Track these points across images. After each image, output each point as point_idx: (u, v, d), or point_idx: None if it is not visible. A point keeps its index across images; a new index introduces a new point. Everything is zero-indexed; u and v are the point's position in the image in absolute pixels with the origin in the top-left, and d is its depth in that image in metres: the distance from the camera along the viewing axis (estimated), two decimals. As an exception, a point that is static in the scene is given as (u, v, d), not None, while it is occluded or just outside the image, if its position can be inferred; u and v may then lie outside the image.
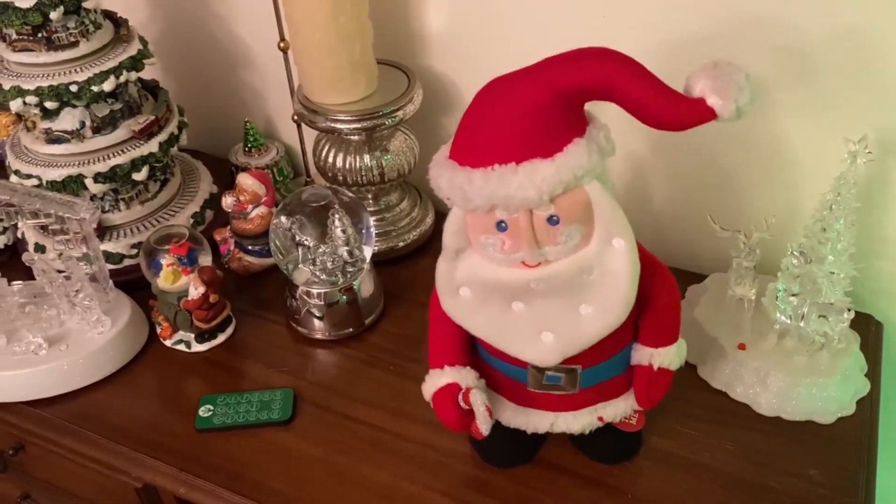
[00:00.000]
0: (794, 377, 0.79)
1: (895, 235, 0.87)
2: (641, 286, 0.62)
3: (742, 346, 0.82)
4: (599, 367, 0.68)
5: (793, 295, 0.79)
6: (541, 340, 0.63)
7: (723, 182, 0.94)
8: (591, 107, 0.61)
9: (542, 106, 0.57)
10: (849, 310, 0.77)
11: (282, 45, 0.97)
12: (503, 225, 0.60)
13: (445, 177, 0.61)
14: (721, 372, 0.83)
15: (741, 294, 0.84)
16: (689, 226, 0.98)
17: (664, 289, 0.68)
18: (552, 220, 0.59)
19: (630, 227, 0.61)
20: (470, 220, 0.62)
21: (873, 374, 0.83)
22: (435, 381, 0.70)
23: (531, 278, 0.62)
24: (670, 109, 0.57)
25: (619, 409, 0.72)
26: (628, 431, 0.76)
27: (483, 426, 0.67)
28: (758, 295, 0.84)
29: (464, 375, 0.69)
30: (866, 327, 0.88)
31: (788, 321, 0.80)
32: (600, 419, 0.72)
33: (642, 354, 0.69)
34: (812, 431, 0.79)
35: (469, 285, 0.64)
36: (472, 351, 0.71)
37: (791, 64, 0.82)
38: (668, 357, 0.69)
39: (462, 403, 0.68)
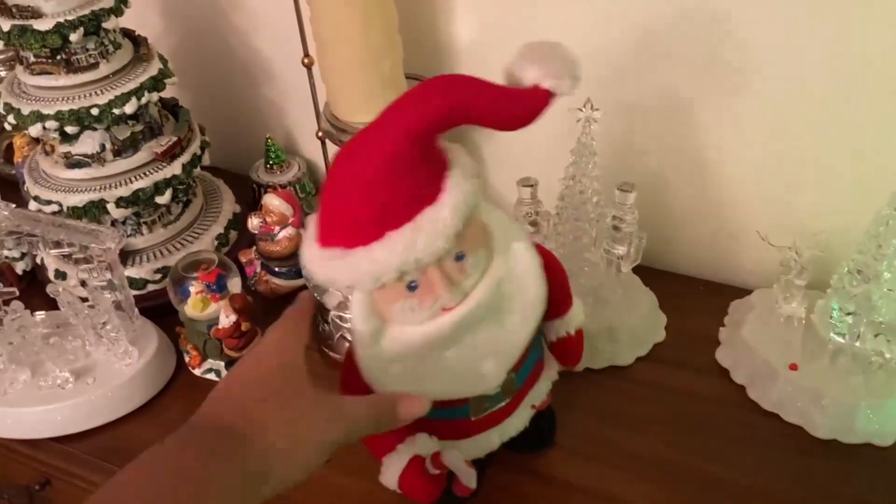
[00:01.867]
0: (851, 398, 0.76)
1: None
2: None
3: (794, 367, 0.79)
4: (524, 365, 0.68)
5: (848, 314, 0.76)
6: (482, 371, 0.62)
7: (765, 195, 0.91)
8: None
9: (408, 155, 0.54)
10: (909, 330, 0.74)
11: (306, 60, 0.95)
12: (413, 285, 0.58)
13: (339, 268, 0.56)
14: (773, 393, 0.80)
15: (791, 312, 0.81)
16: (729, 238, 0.96)
17: (552, 265, 0.67)
18: (459, 257, 0.58)
19: (520, 228, 0.63)
20: (378, 295, 0.59)
21: (927, 392, 0.81)
22: (396, 465, 0.65)
23: (457, 321, 0.59)
24: (516, 112, 0.56)
25: (543, 388, 0.73)
26: (542, 410, 0.75)
27: (471, 481, 0.65)
28: (807, 312, 0.82)
29: (420, 443, 0.66)
30: (917, 342, 0.85)
31: (843, 341, 0.78)
32: (533, 407, 0.72)
33: (558, 327, 0.70)
34: (871, 455, 0.76)
35: (399, 360, 0.61)
36: None
37: (844, 72, 0.79)
38: (576, 318, 0.71)
39: (432, 470, 0.64)
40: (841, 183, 0.86)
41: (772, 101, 0.84)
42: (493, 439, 0.70)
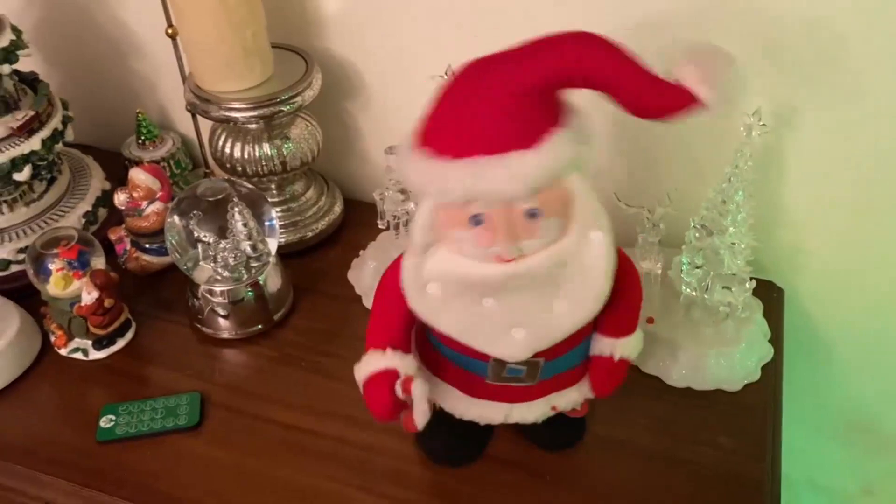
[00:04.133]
0: (702, 348, 0.81)
1: (792, 204, 0.89)
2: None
3: (651, 321, 0.83)
4: (560, 359, 0.66)
5: (696, 267, 0.80)
6: (511, 336, 0.61)
7: (626, 158, 0.94)
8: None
9: (526, 93, 0.54)
10: (750, 279, 0.79)
11: (170, 31, 0.92)
12: (479, 219, 0.57)
13: (417, 169, 0.57)
14: (632, 347, 0.83)
15: (647, 269, 0.85)
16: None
17: (631, 282, 0.66)
18: (532, 214, 0.56)
19: (608, 221, 0.59)
20: (442, 214, 0.58)
21: (776, 340, 0.86)
22: (373, 362, 0.64)
23: (506, 275, 0.58)
24: (656, 100, 0.55)
25: (572, 398, 0.71)
26: (574, 417, 0.74)
27: (420, 420, 0.64)
28: (664, 268, 0.86)
29: (406, 363, 0.65)
30: (768, 294, 0.91)
31: (694, 293, 0.82)
32: (554, 408, 0.70)
33: (603, 345, 0.67)
34: (721, 399, 0.80)
35: (437, 281, 0.60)
36: (413, 339, 0.68)
37: (688, 34, 0.83)
38: (629, 347, 0.68)
39: (399, 392, 0.64)
40: (694, 144, 0.90)
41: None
42: (496, 414, 0.69)
